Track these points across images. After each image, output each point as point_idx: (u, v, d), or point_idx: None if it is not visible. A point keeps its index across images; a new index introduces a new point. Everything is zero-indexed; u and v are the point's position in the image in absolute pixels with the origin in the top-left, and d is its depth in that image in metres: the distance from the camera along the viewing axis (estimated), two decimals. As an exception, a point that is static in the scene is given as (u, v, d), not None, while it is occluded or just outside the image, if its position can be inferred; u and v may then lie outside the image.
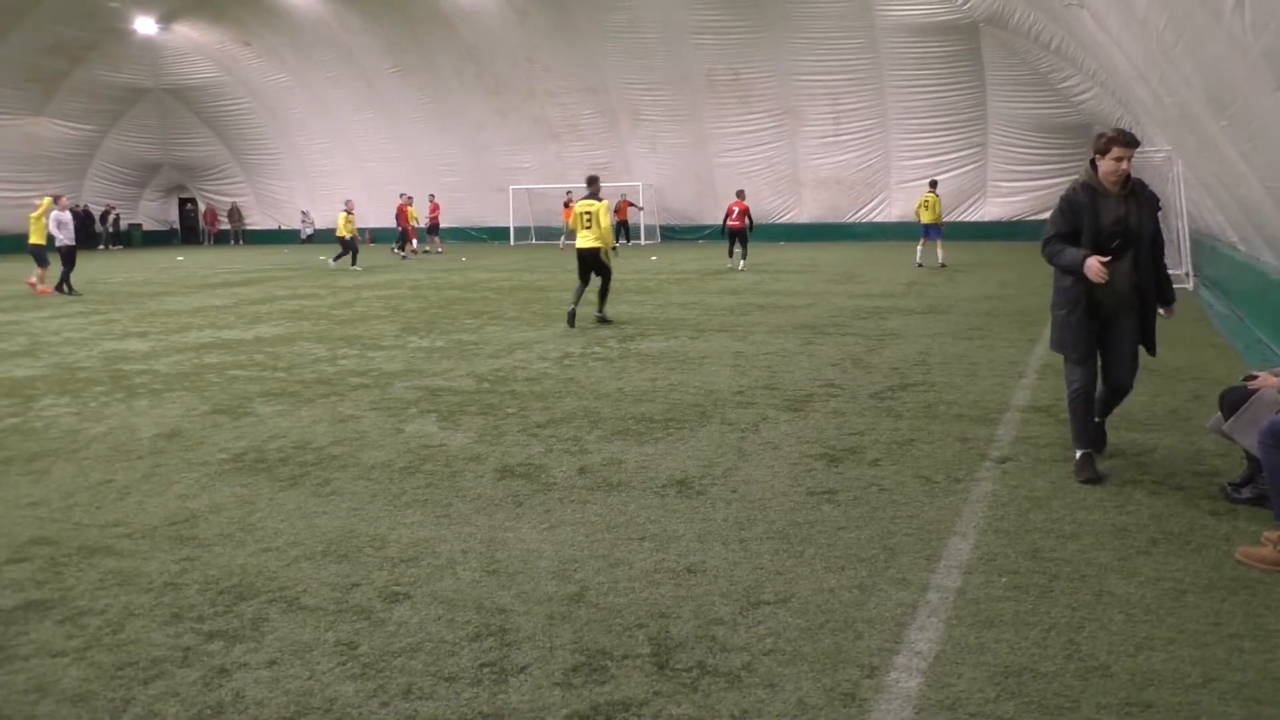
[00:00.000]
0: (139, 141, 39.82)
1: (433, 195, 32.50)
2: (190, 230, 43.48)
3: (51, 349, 11.23)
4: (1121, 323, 5.32)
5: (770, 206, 32.00)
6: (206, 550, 4.50)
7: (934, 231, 20.13)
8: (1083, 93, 24.55)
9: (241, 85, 37.38)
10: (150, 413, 7.58)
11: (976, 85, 27.69)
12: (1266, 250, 10.37)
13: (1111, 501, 4.92)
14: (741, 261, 20.95)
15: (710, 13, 28.82)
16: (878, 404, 7.36)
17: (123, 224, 40.56)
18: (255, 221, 41.88)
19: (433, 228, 31.57)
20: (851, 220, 31.61)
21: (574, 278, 12.89)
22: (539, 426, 6.83)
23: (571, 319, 12.05)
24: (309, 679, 3.27)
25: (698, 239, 32.77)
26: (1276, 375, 4.66)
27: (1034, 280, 16.43)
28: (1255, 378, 4.72)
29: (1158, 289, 5.38)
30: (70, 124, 36.78)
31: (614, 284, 13.22)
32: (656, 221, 34.09)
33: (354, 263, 23.96)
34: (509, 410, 7.39)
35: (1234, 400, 4.72)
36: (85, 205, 37.51)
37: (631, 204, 32.51)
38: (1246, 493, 4.82)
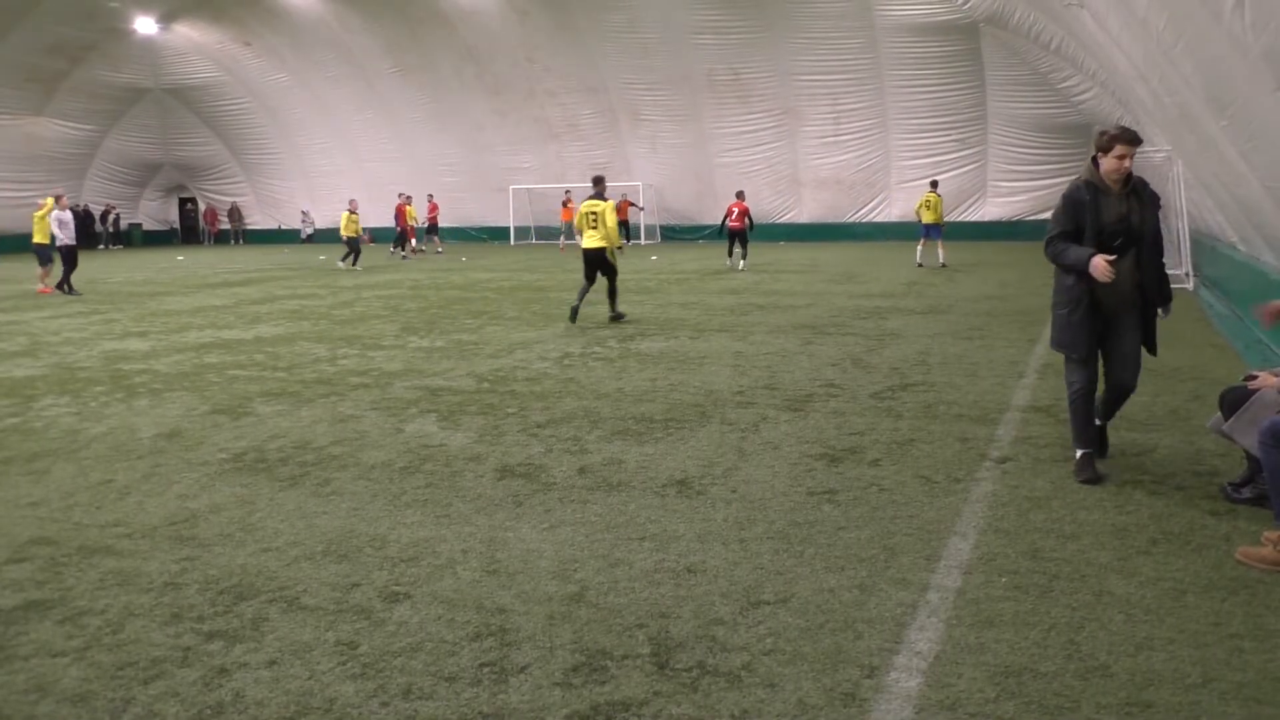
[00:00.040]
0: (139, 141, 39.82)
1: (431, 195, 32.51)
2: (190, 230, 43.47)
3: (51, 349, 11.23)
4: (1123, 322, 5.29)
5: (770, 206, 32.00)
6: (206, 550, 4.50)
7: (935, 231, 20.12)
8: (1083, 93, 24.55)
9: (241, 85, 37.38)
10: (150, 413, 7.59)
11: (976, 85, 27.69)
12: (1266, 250, 10.37)
13: (1111, 501, 4.92)
14: (741, 261, 20.97)
15: (710, 13, 28.82)
16: (878, 404, 7.36)
17: (123, 224, 40.56)
18: (255, 221, 41.89)
19: (431, 228, 31.57)
20: (851, 220, 31.61)
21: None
22: (539, 426, 6.83)
23: (574, 315, 12.16)
24: (309, 679, 3.27)
25: (698, 239, 32.77)
26: (1276, 375, 4.66)
27: (1034, 280, 16.44)
28: (1255, 378, 4.71)
29: (1157, 288, 5.37)
30: (70, 124, 36.78)
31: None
32: (656, 221, 34.09)
33: (355, 263, 23.96)
34: (509, 410, 7.39)
35: (1234, 400, 4.72)
36: (85, 205, 37.49)
37: (632, 204, 32.52)
38: (1246, 493, 4.82)
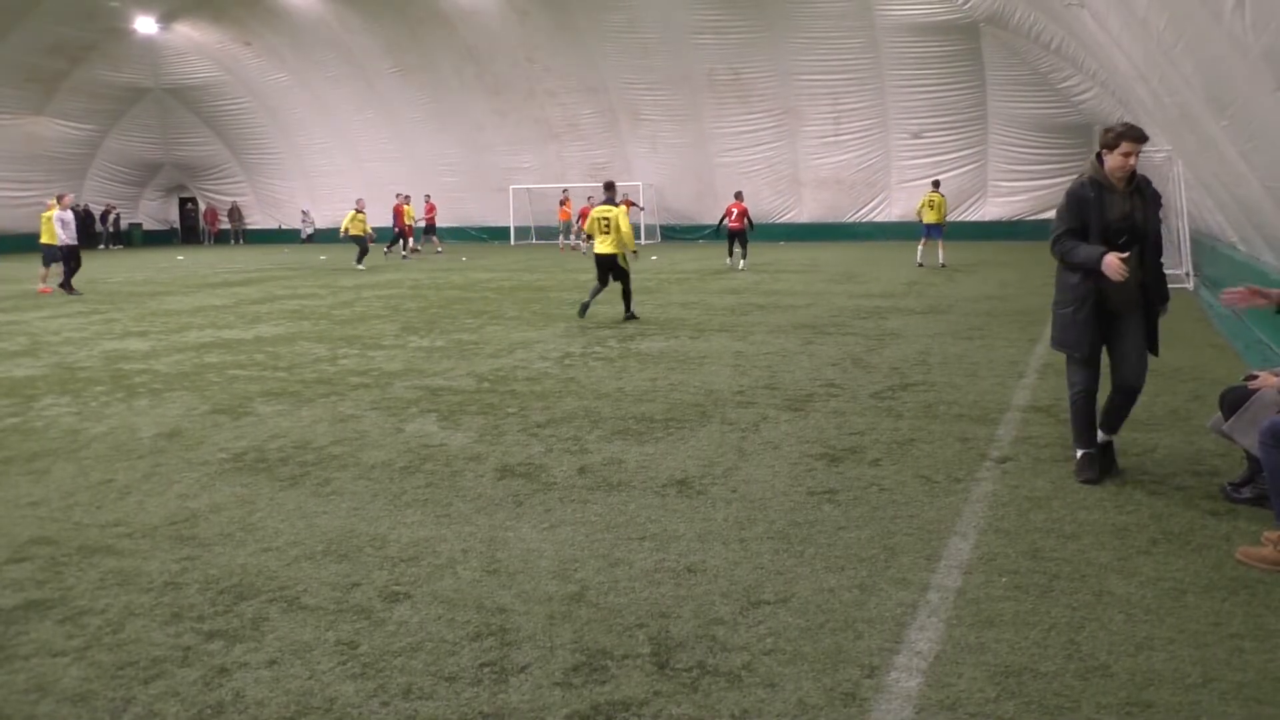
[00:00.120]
0: (139, 141, 39.81)
1: (428, 196, 32.51)
2: (190, 230, 43.46)
3: (52, 349, 11.23)
4: (1127, 321, 5.24)
5: (770, 206, 32.00)
6: (207, 550, 4.50)
7: (936, 231, 20.11)
8: (1083, 93, 24.56)
9: (242, 85, 37.38)
10: (150, 412, 7.59)
11: (977, 85, 27.70)
12: (1266, 250, 10.38)
13: (1111, 501, 4.92)
14: (742, 261, 20.98)
15: (710, 13, 28.82)
16: (878, 404, 7.36)
17: (123, 223, 40.54)
18: (255, 221, 41.88)
19: (429, 228, 31.57)
20: (852, 220, 31.61)
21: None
22: (539, 426, 6.83)
23: (583, 310, 12.59)
24: (309, 679, 3.27)
25: (698, 239, 32.78)
26: (1277, 375, 4.65)
27: (1034, 280, 16.44)
28: (1255, 378, 4.71)
29: (1155, 287, 5.34)
30: (71, 124, 36.77)
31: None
32: (657, 221, 34.09)
33: (359, 262, 24.00)
34: (509, 410, 7.39)
35: (1234, 400, 4.72)
36: (86, 205, 37.48)
37: (633, 203, 32.52)
38: (1247, 493, 4.82)
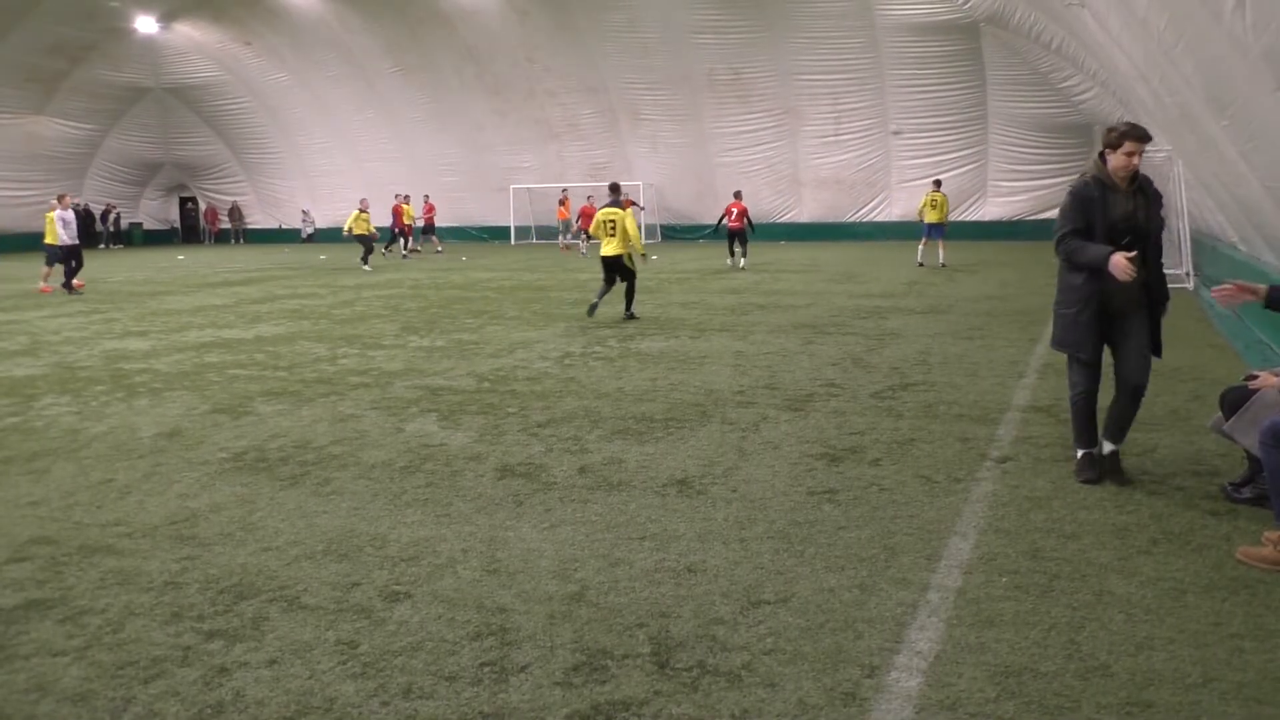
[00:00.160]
0: (140, 141, 39.81)
1: (427, 196, 32.52)
2: (191, 229, 43.47)
3: (52, 348, 11.23)
4: (1130, 321, 5.20)
5: (770, 206, 31.99)
6: (207, 549, 4.50)
7: (937, 231, 20.10)
8: (1083, 92, 24.55)
9: (242, 85, 37.38)
10: (150, 412, 7.59)
11: (977, 85, 27.69)
12: (1266, 250, 10.37)
13: (1111, 501, 4.92)
14: (742, 260, 20.99)
15: (710, 12, 28.82)
16: (878, 404, 7.36)
17: (123, 223, 40.55)
18: (256, 220, 41.88)
19: (427, 228, 31.58)
20: (852, 220, 31.60)
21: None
22: (539, 426, 6.83)
23: (592, 310, 12.76)
24: (309, 678, 3.27)
25: (698, 239, 32.78)
26: (1277, 375, 4.65)
27: (1034, 280, 16.44)
28: (1256, 378, 4.70)
29: (1157, 287, 5.33)
30: (71, 123, 36.76)
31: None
32: (657, 221, 34.08)
33: (364, 261, 24.02)
34: (509, 410, 7.39)
35: (1234, 400, 4.72)
36: (86, 204, 37.48)
37: (633, 203, 32.51)
38: (1247, 493, 4.82)
